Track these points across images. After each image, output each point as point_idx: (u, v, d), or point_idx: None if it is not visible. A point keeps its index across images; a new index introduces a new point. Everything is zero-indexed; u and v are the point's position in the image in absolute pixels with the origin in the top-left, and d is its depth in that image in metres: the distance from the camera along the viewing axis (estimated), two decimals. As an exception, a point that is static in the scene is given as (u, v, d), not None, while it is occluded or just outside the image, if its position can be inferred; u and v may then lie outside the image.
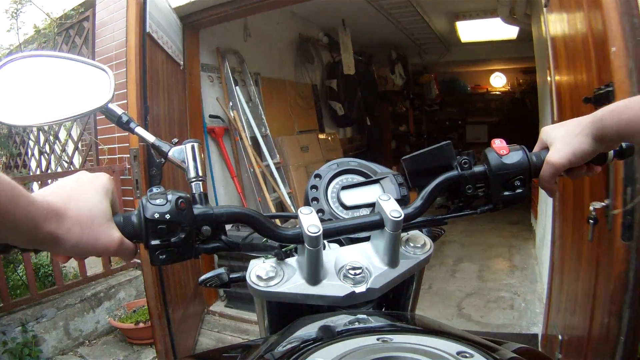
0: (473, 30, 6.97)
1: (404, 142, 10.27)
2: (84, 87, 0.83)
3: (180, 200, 0.71)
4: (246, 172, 4.61)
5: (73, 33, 4.47)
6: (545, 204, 3.93)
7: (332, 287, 0.77)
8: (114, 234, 0.68)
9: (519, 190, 0.81)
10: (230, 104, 4.60)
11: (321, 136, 6.26)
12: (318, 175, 0.97)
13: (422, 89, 10.51)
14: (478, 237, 6.31)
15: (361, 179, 0.97)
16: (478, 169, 0.83)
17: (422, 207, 0.81)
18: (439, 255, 5.53)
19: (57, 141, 4.80)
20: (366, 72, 8.03)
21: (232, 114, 4.55)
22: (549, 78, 2.59)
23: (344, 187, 0.95)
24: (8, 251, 0.66)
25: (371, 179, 0.95)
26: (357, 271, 0.78)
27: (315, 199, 0.94)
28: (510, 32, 6.97)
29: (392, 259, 0.79)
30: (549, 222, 3.65)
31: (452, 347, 0.57)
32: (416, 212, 0.81)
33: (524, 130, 10.62)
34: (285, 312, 0.86)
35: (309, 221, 0.74)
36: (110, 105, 0.88)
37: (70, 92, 0.82)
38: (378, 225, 0.78)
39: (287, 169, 5.14)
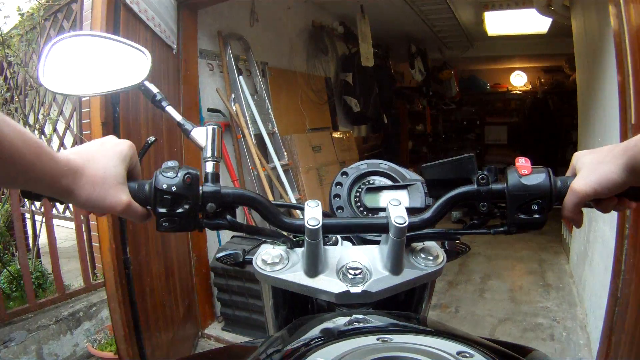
0: (502, 22, 6.38)
1: (421, 142, 9.71)
2: (125, 65, 0.90)
3: (187, 175, 0.76)
4: (249, 174, 4.05)
5: (61, 17, 3.99)
6: (595, 221, 3.38)
7: (328, 282, 0.78)
8: (122, 197, 0.75)
9: (535, 216, 0.75)
10: (233, 96, 4.05)
11: (335, 135, 5.67)
12: (345, 173, 0.98)
13: (441, 86, 9.90)
14: (504, 248, 5.82)
15: (389, 182, 0.97)
16: (496, 186, 0.78)
17: (432, 218, 0.79)
18: (465, 271, 5.01)
19: (42, 136, 4.30)
20: (383, 66, 7.46)
21: (234, 108, 3.99)
22: (619, 77, 2.11)
23: (369, 189, 0.96)
24: (31, 197, 0.74)
25: (398, 184, 0.95)
26: (357, 271, 0.78)
27: (338, 195, 0.95)
28: (541, 25, 6.46)
29: (394, 266, 0.78)
30: (598, 241, 3.29)
31: (452, 347, 0.57)
32: (423, 222, 0.79)
33: (546, 132, 10.43)
34: (291, 306, 0.90)
35: (311, 214, 0.75)
36: (147, 84, 0.92)
37: (112, 69, 0.90)
38: (383, 229, 0.78)
39: (296, 171, 4.58)
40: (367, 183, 0.97)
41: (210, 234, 3.93)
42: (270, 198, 3.91)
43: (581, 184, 0.73)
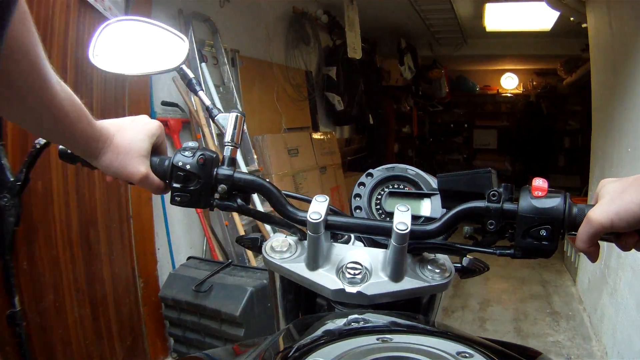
0: (503, 17, 5.79)
1: (407, 145, 9.09)
2: (164, 49, 0.94)
3: (201, 156, 0.81)
4: (212, 181, 3.38)
5: None
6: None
7: (326, 278, 0.78)
8: (141, 168, 0.81)
9: (544, 242, 0.71)
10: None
11: (315, 136, 4.99)
12: (370, 174, 0.96)
13: (430, 86, 9.30)
14: (502, 266, 5.29)
15: (413, 189, 0.95)
16: (507, 206, 0.74)
17: (436, 230, 0.77)
18: (461, 294, 4.42)
19: None
20: (370, 62, 6.84)
21: (193, 102, 3.32)
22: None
23: (392, 193, 0.94)
24: (67, 159, 0.87)
25: (422, 192, 0.93)
26: (356, 271, 0.78)
27: (359, 195, 0.95)
28: (545, 22, 5.92)
29: (394, 273, 0.77)
30: (626, 269, 2.94)
31: (452, 347, 0.57)
32: (426, 233, 0.78)
33: (538, 137, 9.95)
34: (299, 300, 0.90)
35: (315, 208, 0.77)
36: (184, 67, 0.95)
37: (153, 52, 0.94)
38: (386, 233, 0.78)
39: (268, 178, 3.86)
40: (390, 187, 0.96)
41: (163, 256, 3.32)
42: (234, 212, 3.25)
43: (597, 213, 0.66)
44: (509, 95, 10.78)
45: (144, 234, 3.14)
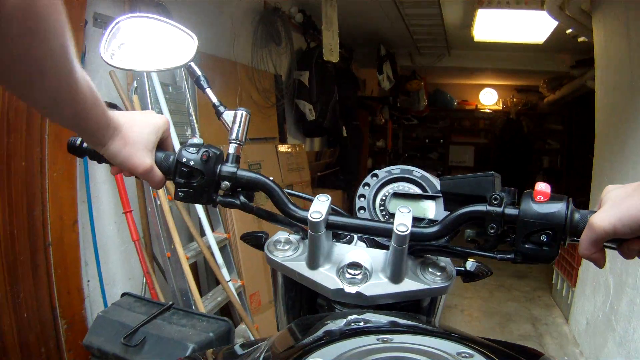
0: (494, 26, 5.29)
1: (380, 160, 8.57)
2: (174, 46, 0.95)
3: (205, 152, 0.82)
4: (150, 204, 2.75)
5: None
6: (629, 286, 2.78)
7: (325, 277, 0.79)
8: (146, 161, 0.82)
9: (544, 248, 0.70)
10: (135, 84, 2.75)
11: (282, 148, 4.37)
12: (375, 175, 0.97)
13: (408, 98, 8.80)
14: (485, 299, 4.89)
15: (418, 191, 0.94)
16: (509, 210, 0.72)
17: (437, 232, 0.77)
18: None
19: None
20: (346, 69, 6.29)
21: (133, 102, 2.70)
22: None
23: (396, 195, 0.94)
24: (75, 152, 0.88)
25: (426, 194, 0.93)
26: (356, 272, 0.78)
27: (363, 196, 0.95)
28: (539, 34, 5.48)
29: (394, 274, 0.77)
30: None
31: (452, 347, 0.57)
32: (427, 235, 0.78)
33: (517, 156, 9.59)
34: (301, 299, 0.91)
35: (317, 207, 0.77)
36: (192, 65, 0.95)
37: (163, 49, 0.95)
38: (386, 234, 0.78)
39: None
40: (395, 188, 0.95)
41: (94, 290, 2.75)
42: (176, 241, 2.63)
43: (600, 218, 0.65)
44: (488, 111, 10.42)
45: (68, 264, 2.55)
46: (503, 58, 7.14)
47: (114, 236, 2.87)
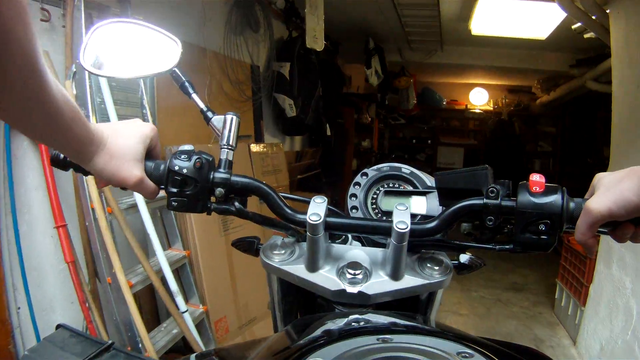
0: (495, 19, 4.86)
1: (365, 161, 8.08)
2: (157, 52, 0.91)
3: (198, 159, 0.78)
4: (88, 217, 2.23)
5: None
6: None
7: (326, 279, 0.78)
8: (135, 172, 0.78)
9: (543, 237, 0.72)
10: (73, 68, 2.24)
11: (256, 148, 3.86)
12: (365, 174, 0.96)
13: (396, 96, 8.33)
14: (481, 316, 4.52)
15: (409, 188, 0.94)
16: (506, 202, 0.74)
17: (435, 227, 0.77)
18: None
19: None
20: (331, 62, 5.80)
21: (73, 90, 2.20)
22: None
23: (387, 192, 0.94)
24: (59, 165, 0.83)
25: (417, 190, 0.93)
26: (356, 272, 0.77)
27: (354, 195, 0.94)
28: (543, 29, 5.10)
29: (394, 271, 0.77)
30: None
31: (452, 347, 0.57)
32: (426, 230, 0.77)
33: (508, 158, 9.20)
34: (298, 302, 0.90)
35: (315, 209, 0.76)
36: (177, 70, 0.91)
37: (146, 55, 0.91)
38: (385, 232, 0.77)
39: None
40: (385, 186, 0.95)
41: (26, 319, 2.32)
42: (116, 264, 2.12)
43: (595, 202, 0.68)
44: (478, 111, 10.01)
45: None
46: (499, 55, 6.78)
47: (49, 254, 2.37)
